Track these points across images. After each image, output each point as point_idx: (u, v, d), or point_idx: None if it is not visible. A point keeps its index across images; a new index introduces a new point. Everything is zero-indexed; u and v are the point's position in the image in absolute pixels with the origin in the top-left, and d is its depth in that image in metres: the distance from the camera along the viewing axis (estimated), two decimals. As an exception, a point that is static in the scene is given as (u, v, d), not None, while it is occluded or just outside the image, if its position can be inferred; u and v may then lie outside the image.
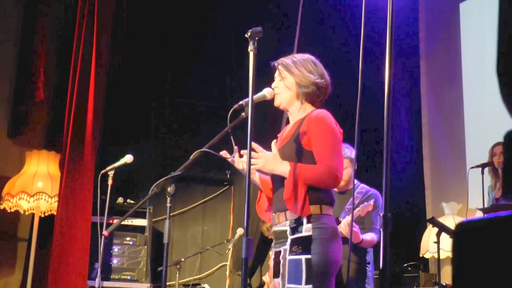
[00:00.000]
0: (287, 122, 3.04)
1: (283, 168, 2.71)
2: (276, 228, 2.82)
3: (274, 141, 2.80)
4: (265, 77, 2.93)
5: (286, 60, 2.94)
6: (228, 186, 6.60)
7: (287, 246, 2.72)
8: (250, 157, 2.39)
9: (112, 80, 5.83)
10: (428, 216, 6.08)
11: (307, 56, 2.96)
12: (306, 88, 2.86)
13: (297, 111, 2.90)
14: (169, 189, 2.63)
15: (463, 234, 0.91)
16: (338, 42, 6.35)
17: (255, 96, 2.77)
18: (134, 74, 6.34)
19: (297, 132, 2.81)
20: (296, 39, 6.05)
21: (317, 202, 2.72)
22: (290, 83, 2.89)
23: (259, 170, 2.82)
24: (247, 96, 2.53)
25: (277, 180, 2.84)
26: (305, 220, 2.71)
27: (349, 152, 4.23)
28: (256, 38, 2.47)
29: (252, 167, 2.71)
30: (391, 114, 2.01)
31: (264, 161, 2.70)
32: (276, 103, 2.92)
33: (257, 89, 2.68)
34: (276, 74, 2.96)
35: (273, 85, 2.94)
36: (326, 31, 6.50)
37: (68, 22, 5.76)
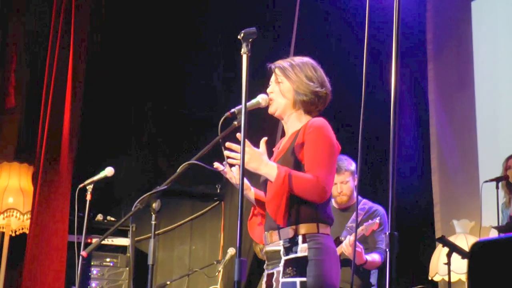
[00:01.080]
0: (283, 133, 3.04)
1: (269, 169, 2.69)
2: (268, 248, 2.81)
3: (263, 139, 2.80)
4: (258, 84, 2.94)
5: (284, 63, 2.94)
6: (218, 202, 6.60)
7: (281, 268, 2.71)
8: (243, 170, 2.38)
9: (90, 87, 5.84)
10: (438, 234, 6.08)
11: (306, 59, 2.95)
12: (303, 96, 2.86)
13: (292, 120, 2.91)
14: (154, 205, 2.62)
15: (479, 255, 0.90)
16: (339, 45, 6.38)
17: (249, 103, 2.78)
18: (114, 81, 6.35)
19: (293, 145, 2.81)
20: (292, 41, 6.07)
21: (314, 220, 2.71)
22: (286, 89, 2.90)
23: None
24: (239, 103, 2.53)
25: None
26: (300, 240, 2.69)
27: (349, 164, 4.23)
28: (250, 40, 2.47)
29: (233, 161, 2.70)
30: (397, 123, 2.02)
31: (249, 157, 2.68)
32: (270, 110, 2.92)
33: (250, 95, 2.68)
34: (272, 78, 2.96)
35: (268, 89, 2.94)
36: (326, 32, 6.53)
37: (44, 25, 5.76)
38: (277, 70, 2.94)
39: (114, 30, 6.29)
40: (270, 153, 2.95)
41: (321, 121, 2.80)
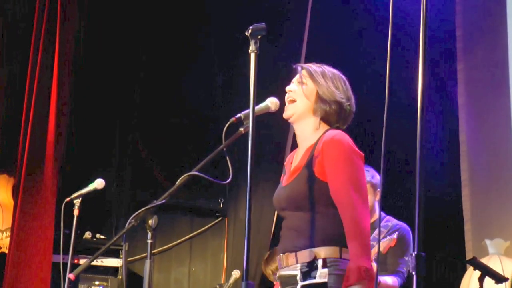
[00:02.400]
0: (293, 145, 3.05)
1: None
2: (283, 272, 2.81)
3: None
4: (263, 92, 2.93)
5: (314, 66, 2.98)
6: (221, 218, 6.59)
7: (296, 294, 2.72)
8: (251, 182, 2.38)
9: (78, 89, 5.87)
10: (468, 256, 6.06)
11: (337, 71, 3.00)
12: (326, 104, 2.89)
13: (309, 129, 2.92)
14: (150, 221, 2.62)
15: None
16: (358, 48, 6.38)
17: (257, 108, 2.78)
18: (103, 86, 6.38)
19: (309, 160, 2.83)
20: (303, 44, 6.08)
21: (336, 244, 2.73)
22: (310, 92, 2.92)
23: None
24: (244, 107, 2.54)
25: (289, 213, 2.83)
26: (320, 264, 2.70)
27: (371, 176, 4.23)
28: (259, 37, 2.48)
29: None
30: (424, 132, 2.02)
31: None
32: (287, 113, 2.94)
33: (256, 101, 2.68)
34: (296, 78, 2.98)
35: (288, 87, 2.96)
36: (342, 33, 6.52)
37: (26, 26, 5.78)
38: (304, 71, 2.97)
39: (102, 32, 6.33)
40: (278, 169, 2.96)
41: (339, 135, 2.82)
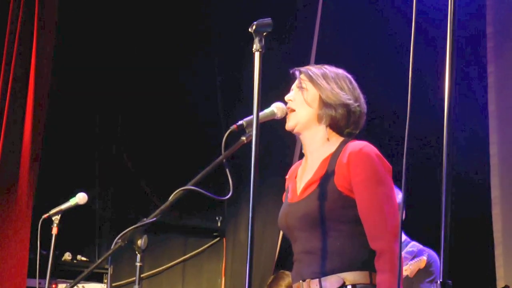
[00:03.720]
0: (301, 156, 3.04)
1: None
2: None
3: None
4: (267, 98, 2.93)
5: (313, 68, 2.96)
6: (218, 238, 6.60)
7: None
8: (254, 198, 2.38)
9: (57, 95, 5.88)
10: (500, 284, 6.05)
11: (341, 71, 2.98)
12: (331, 109, 2.86)
13: (318, 139, 2.90)
14: (139, 241, 2.61)
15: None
16: (373, 48, 6.39)
17: (261, 114, 2.78)
18: (84, 90, 6.39)
19: (330, 173, 2.81)
20: (313, 43, 6.09)
21: (365, 267, 2.72)
22: (311, 97, 2.90)
23: None
24: (246, 114, 2.54)
25: (304, 234, 2.82)
26: (348, 291, 2.71)
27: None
28: (264, 34, 2.48)
29: None
30: (451, 144, 2.02)
31: None
32: (289, 125, 2.92)
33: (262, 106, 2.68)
34: (295, 85, 2.97)
35: (287, 96, 2.95)
36: (355, 31, 6.53)
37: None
38: (303, 76, 2.95)
39: (85, 29, 6.35)
40: (280, 182, 2.95)
41: (368, 148, 2.81)
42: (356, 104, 2.89)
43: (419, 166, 5.89)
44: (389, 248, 2.68)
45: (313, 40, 6.13)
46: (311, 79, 2.92)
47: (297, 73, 2.97)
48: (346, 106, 2.87)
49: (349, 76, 2.97)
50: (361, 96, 2.95)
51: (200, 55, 6.69)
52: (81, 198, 4.36)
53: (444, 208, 2.00)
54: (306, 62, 5.55)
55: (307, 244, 2.82)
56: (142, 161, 6.67)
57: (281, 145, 5.90)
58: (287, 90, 2.99)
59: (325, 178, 2.81)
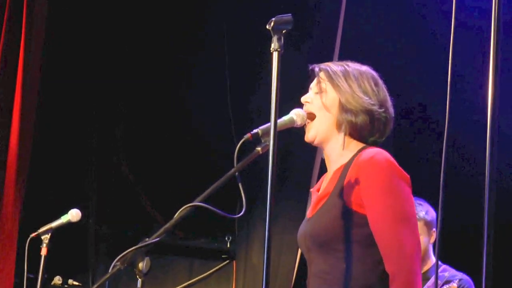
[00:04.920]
0: (322, 166, 3.04)
1: None
2: None
3: None
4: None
5: (334, 66, 2.95)
6: (228, 261, 6.58)
7: None
8: (270, 216, 2.38)
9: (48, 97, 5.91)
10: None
11: (366, 68, 2.96)
12: (352, 115, 2.85)
13: (337, 149, 2.90)
14: (140, 264, 2.61)
15: None
16: (402, 47, 6.38)
17: (279, 121, 2.78)
18: (77, 94, 6.42)
19: (339, 186, 2.80)
20: (337, 42, 6.09)
21: None
22: (330, 101, 2.90)
23: None
24: (262, 121, 2.53)
25: (315, 255, 2.81)
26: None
27: (425, 211, 4.23)
28: (283, 31, 2.49)
29: None
30: (495, 155, 2.01)
31: None
32: (308, 136, 2.92)
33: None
34: (313, 84, 2.97)
35: (304, 97, 2.96)
36: (383, 28, 6.52)
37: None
38: (322, 74, 2.94)
39: (81, 34, 6.38)
40: (299, 196, 2.95)
41: (381, 155, 2.78)
42: (381, 110, 2.88)
43: (456, 175, 5.87)
44: (404, 271, 2.66)
45: (336, 39, 6.12)
46: (330, 79, 2.91)
47: (316, 70, 2.97)
48: (368, 112, 2.86)
49: (375, 74, 2.96)
50: (388, 99, 2.93)
51: (208, 54, 6.68)
52: (74, 215, 4.36)
53: (486, 229, 1.98)
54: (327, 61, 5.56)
55: (316, 266, 2.83)
56: (143, 173, 6.67)
57: (301, 155, 5.89)
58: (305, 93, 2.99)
59: (334, 193, 2.81)
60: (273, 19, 2.50)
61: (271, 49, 2.48)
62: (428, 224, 4.23)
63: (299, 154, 5.90)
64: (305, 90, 3.02)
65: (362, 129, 2.87)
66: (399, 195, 2.74)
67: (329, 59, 5.91)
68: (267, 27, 2.50)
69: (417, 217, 4.23)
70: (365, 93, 2.87)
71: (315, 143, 2.93)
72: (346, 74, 2.91)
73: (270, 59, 2.50)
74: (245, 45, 6.31)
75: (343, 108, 2.87)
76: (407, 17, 6.40)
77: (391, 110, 2.93)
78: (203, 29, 6.65)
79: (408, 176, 2.80)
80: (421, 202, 4.27)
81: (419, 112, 6.05)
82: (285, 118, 2.86)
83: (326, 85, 2.92)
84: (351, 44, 6.17)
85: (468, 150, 5.62)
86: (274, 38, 2.48)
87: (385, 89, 2.94)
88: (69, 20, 6.32)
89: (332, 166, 2.92)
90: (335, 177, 2.85)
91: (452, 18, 2.30)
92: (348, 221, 2.75)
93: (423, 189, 3.97)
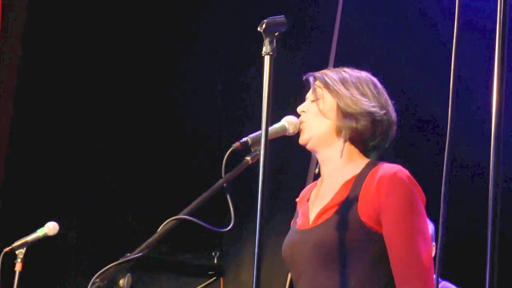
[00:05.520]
0: (316, 177, 3.03)
1: None
2: None
3: None
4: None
5: (330, 73, 2.95)
6: (215, 278, 6.58)
7: None
8: (261, 227, 2.37)
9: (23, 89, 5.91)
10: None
11: (364, 73, 2.97)
12: (352, 120, 2.85)
13: (337, 157, 2.89)
14: (121, 281, 2.61)
15: None
16: (402, 51, 6.40)
17: (271, 129, 2.77)
18: (58, 101, 6.40)
19: (352, 199, 2.79)
20: (332, 47, 6.10)
21: None
22: (328, 107, 2.89)
23: None
24: (253, 129, 2.53)
25: (313, 269, 2.80)
26: None
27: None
28: (276, 34, 2.49)
29: None
30: (500, 163, 2.00)
31: None
32: (303, 138, 2.92)
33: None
34: (309, 94, 2.97)
35: (300, 107, 2.95)
36: (380, 31, 6.54)
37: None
38: (318, 82, 2.94)
39: (56, 29, 6.38)
40: (292, 209, 2.94)
41: (402, 173, 2.78)
42: (383, 112, 2.87)
43: (458, 185, 5.87)
44: (423, 283, 2.67)
45: (332, 42, 6.13)
46: (327, 85, 2.91)
47: (311, 79, 2.96)
48: (370, 114, 2.85)
49: (374, 79, 2.96)
50: (389, 103, 2.93)
51: (198, 58, 6.69)
52: (51, 228, 4.35)
53: (490, 242, 1.98)
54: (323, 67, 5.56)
55: (315, 280, 2.80)
56: (126, 184, 6.66)
57: (294, 166, 5.89)
58: (302, 100, 2.98)
59: (346, 204, 2.79)
60: (265, 20, 2.50)
61: (262, 53, 2.48)
62: (428, 240, 4.24)
63: (292, 165, 5.91)
64: (299, 96, 3.02)
65: (364, 133, 2.86)
66: (420, 215, 2.76)
67: (325, 63, 5.93)
68: (259, 29, 2.49)
69: None
70: (365, 95, 2.87)
71: (309, 146, 2.92)
72: (343, 80, 2.91)
73: (262, 62, 2.50)
74: (238, 48, 6.32)
75: (342, 113, 2.86)
76: (407, 19, 6.42)
77: (393, 113, 2.93)
78: (194, 32, 6.66)
79: (425, 197, 2.82)
80: None
81: (420, 118, 6.05)
82: (276, 125, 2.86)
83: (323, 91, 2.91)
84: (348, 48, 6.19)
85: (472, 157, 5.63)
86: (266, 41, 2.48)
87: (385, 93, 2.94)
88: (49, 21, 6.33)
89: (333, 176, 2.91)
90: (344, 189, 2.83)
91: (455, 18, 2.30)
92: (359, 236, 2.74)
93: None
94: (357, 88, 2.89)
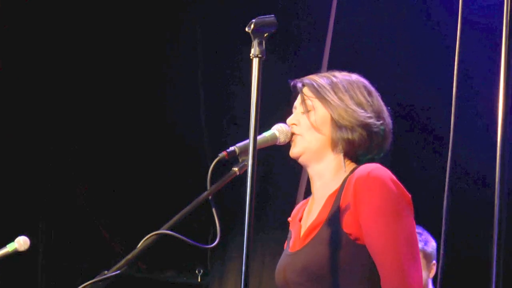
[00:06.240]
0: (308, 193, 3.03)
1: None
2: None
3: None
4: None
5: (319, 79, 2.93)
6: (199, 297, 6.59)
7: None
8: (249, 243, 2.37)
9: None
10: None
11: (355, 77, 2.96)
12: (348, 132, 2.84)
13: (329, 172, 2.89)
14: (98, 301, 2.61)
15: None
16: (408, 47, 6.41)
17: (260, 138, 2.77)
18: (32, 109, 6.40)
19: (335, 213, 2.78)
20: (325, 50, 6.11)
21: None
22: (321, 120, 2.88)
23: None
24: (241, 137, 2.53)
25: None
26: None
27: (423, 242, 4.24)
28: (265, 35, 2.49)
29: None
30: (506, 174, 2.01)
31: None
32: (294, 151, 2.91)
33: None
34: (297, 103, 2.96)
35: (289, 119, 2.95)
36: (375, 34, 6.56)
37: None
38: (306, 90, 2.93)
39: (32, 32, 6.38)
40: (281, 226, 2.94)
41: (378, 171, 2.76)
42: (379, 122, 2.87)
43: (461, 198, 5.89)
44: None
45: (326, 44, 6.14)
46: (317, 94, 2.89)
47: (299, 86, 2.95)
48: (365, 126, 2.85)
49: (367, 83, 2.95)
50: (384, 109, 2.93)
51: (178, 64, 6.69)
52: (21, 243, 4.32)
53: (495, 263, 1.99)
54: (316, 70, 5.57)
55: None
56: (100, 196, 6.65)
57: (284, 178, 5.89)
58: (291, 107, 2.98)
59: (330, 219, 2.79)
60: (254, 20, 2.49)
61: (250, 55, 2.48)
62: (427, 256, 4.25)
63: (282, 177, 5.90)
64: (289, 103, 3.02)
65: (360, 146, 2.86)
66: (402, 215, 2.73)
67: (318, 65, 5.94)
68: (247, 29, 2.49)
69: None
70: (359, 105, 2.86)
71: (301, 160, 2.92)
72: (334, 86, 2.90)
73: (249, 66, 2.50)
74: (222, 51, 6.32)
75: (337, 125, 2.85)
76: (405, 17, 6.44)
77: (389, 120, 2.93)
78: (175, 35, 6.66)
79: (410, 195, 2.79)
80: (420, 231, 4.28)
81: (420, 123, 6.06)
82: (266, 134, 2.85)
83: (313, 101, 2.90)
84: (343, 49, 6.19)
85: (476, 167, 5.64)
86: (255, 43, 2.48)
87: (379, 98, 2.94)
88: (24, 22, 6.33)
89: (322, 191, 2.91)
90: (328, 203, 2.83)
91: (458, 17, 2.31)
92: (347, 251, 2.73)
93: (422, 215, 3.98)
94: (351, 97, 2.88)
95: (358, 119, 2.84)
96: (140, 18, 6.57)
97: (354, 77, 2.95)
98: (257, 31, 2.50)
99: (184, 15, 6.65)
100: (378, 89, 2.97)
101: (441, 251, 2.45)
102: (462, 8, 2.30)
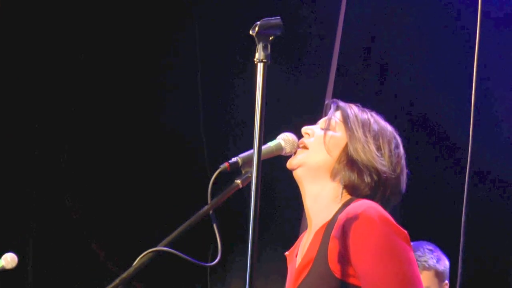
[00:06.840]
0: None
1: None
2: None
3: None
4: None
5: (356, 109, 2.97)
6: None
7: None
8: (252, 262, 2.37)
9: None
10: None
11: (391, 128, 2.97)
12: (354, 170, 2.86)
13: (324, 198, 2.90)
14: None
15: None
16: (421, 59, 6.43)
17: (265, 148, 2.78)
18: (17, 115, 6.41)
19: (323, 252, 2.78)
20: (334, 57, 6.12)
21: None
22: (336, 142, 2.91)
23: None
24: (244, 148, 2.54)
25: None
26: None
27: (436, 259, 4.24)
28: (271, 38, 2.49)
29: None
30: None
31: None
32: (293, 162, 2.93)
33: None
34: (322, 120, 2.98)
35: (305, 128, 2.96)
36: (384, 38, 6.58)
37: None
38: (338, 113, 2.96)
39: (23, 33, 6.39)
40: (292, 244, 2.95)
41: (370, 210, 2.74)
42: (393, 176, 2.89)
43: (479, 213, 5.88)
44: None
45: (335, 50, 6.15)
46: (346, 120, 2.93)
47: (333, 106, 2.98)
48: (377, 173, 2.87)
49: (399, 138, 2.98)
50: (404, 172, 2.95)
51: (176, 68, 6.70)
52: (8, 260, 4.34)
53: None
54: (324, 79, 5.57)
55: None
56: (94, 211, 6.66)
57: (290, 191, 5.88)
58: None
59: (318, 259, 2.80)
60: (258, 23, 2.50)
61: (255, 59, 2.47)
62: (439, 275, 4.24)
63: (288, 190, 5.90)
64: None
65: (362, 190, 2.88)
66: (399, 257, 2.72)
67: (325, 72, 5.95)
68: (251, 32, 2.49)
69: (427, 265, 4.24)
70: (380, 150, 2.90)
71: (297, 172, 2.93)
72: (365, 123, 2.93)
73: (253, 71, 2.50)
74: (222, 55, 6.33)
75: (347, 157, 2.88)
76: (416, 18, 6.46)
77: (403, 182, 2.95)
78: (174, 37, 6.67)
79: (406, 232, 2.78)
80: (432, 248, 4.29)
81: (436, 133, 6.07)
82: (271, 144, 2.86)
83: (337, 124, 2.93)
84: (352, 53, 6.21)
85: (496, 181, 5.64)
86: (259, 46, 2.48)
87: (404, 160, 2.96)
88: (22, 22, 6.36)
89: (315, 218, 2.92)
90: (317, 239, 2.85)
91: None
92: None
93: (437, 232, 3.98)
94: (376, 139, 2.91)
95: (371, 161, 2.87)
96: (140, 18, 6.59)
97: (390, 128, 2.99)
98: (262, 34, 2.50)
99: (184, 15, 6.67)
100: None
101: (459, 269, 2.45)
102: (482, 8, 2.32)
